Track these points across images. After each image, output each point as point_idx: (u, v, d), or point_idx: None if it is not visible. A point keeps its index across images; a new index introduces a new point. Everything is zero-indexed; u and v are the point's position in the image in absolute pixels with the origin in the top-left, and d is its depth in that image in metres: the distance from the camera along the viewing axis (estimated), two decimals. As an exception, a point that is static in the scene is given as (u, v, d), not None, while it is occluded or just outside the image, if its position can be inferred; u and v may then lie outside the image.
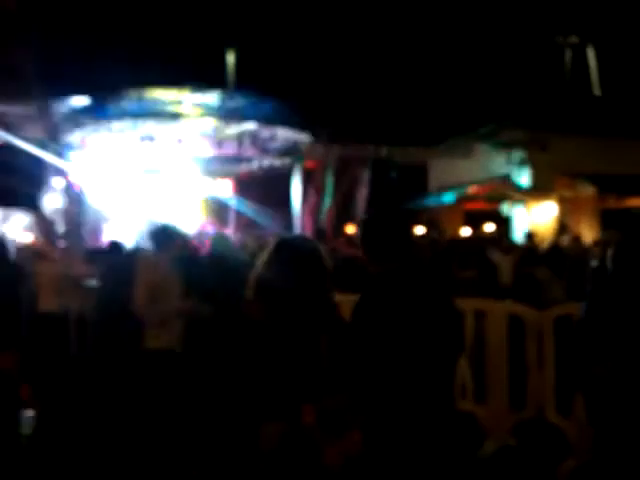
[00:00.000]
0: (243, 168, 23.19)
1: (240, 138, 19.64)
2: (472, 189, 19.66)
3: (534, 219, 18.19)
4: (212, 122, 19.34)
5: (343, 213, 22.78)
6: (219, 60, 23.87)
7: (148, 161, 20.49)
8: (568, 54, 24.03)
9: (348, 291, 4.54)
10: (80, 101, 18.48)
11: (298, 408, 3.42)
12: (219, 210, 23.64)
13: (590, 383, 4.42)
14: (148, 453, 5.98)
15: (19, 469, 5.72)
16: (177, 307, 5.82)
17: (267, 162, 22.61)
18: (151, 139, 19.25)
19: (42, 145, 17.51)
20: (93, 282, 10.04)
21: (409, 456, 3.41)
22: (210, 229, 18.88)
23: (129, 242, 13.84)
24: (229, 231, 20.50)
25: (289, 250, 3.70)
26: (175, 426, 5.89)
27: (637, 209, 17.77)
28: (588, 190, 17.60)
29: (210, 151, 21.21)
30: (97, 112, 18.57)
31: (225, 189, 23.51)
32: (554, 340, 6.29)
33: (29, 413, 6.90)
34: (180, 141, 19.78)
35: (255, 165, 22.96)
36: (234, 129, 19.49)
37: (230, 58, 24.18)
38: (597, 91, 23.52)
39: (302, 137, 20.60)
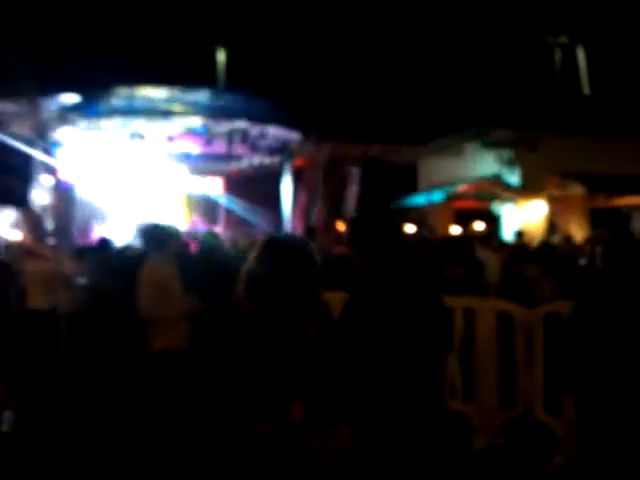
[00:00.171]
0: (233, 166, 23.18)
1: (230, 136, 19.61)
2: (461, 188, 19.70)
3: (524, 218, 18.24)
4: (202, 120, 19.31)
5: (333, 211, 22.79)
6: (209, 58, 23.84)
7: (138, 159, 20.45)
8: (558, 54, 24.09)
9: (338, 289, 4.55)
10: (70, 98, 18.42)
11: (287, 405, 3.42)
12: (209, 208, 23.63)
13: (579, 381, 4.43)
14: (134, 450, 5.97)
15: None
16: (182, 306, 5.76)
17: (257, 160, 22.60)
18: (141, 137, 19.20)
19: (31, 142, 17.44)
20: (82, 279, 10.02)
21: (398, 452, 3.41)
22: (201, 227, 18.86)
23: (118, 239, 13.81)
24: (219, 229, 20.51)
25: (278, 248, 3.70)
26: (167, 425, 5.88)
27: (626, 208, 17.85)
28: (577, 189, 17.66)
29: (200, 149, 21.20)
30: (87, 110, 18.51)
31: (215, 187, 23.50)
32: (543, 338, 6.31)
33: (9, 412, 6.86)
34: (170, 139, 19.75)
35: (245, 163, 22.95)
36: (224, 127, 19.46)
37: (220, 56, 24.14)
38: (587, 91, 23.60)
39: (292, 135, 20.59)
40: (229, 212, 23.62)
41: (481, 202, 20.57)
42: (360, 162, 22.89)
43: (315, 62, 20.65)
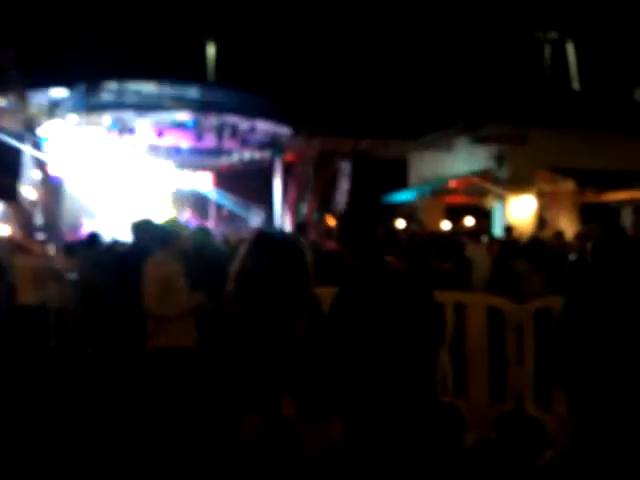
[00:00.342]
0: (223, 161, 23.16)
1: (220, 131, 19.58)
2: (451, 183, 19.72)
3: (513, 213, 18.27)
4: (192, 114, 19.28)
5: (323, 206, 22.81)
6: (199, 53, 23.77)
7: (127, 153, 20.40)
8: (547, 49, 24.14)
9: (329, 284, 4.54)
10: (59, 92, 18.35)
11: (277, 400, 3.42)
12: (199, 203, 23.61)
13: (571, 377, 4.45)
14: (126, 445, 5.97)
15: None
16: (187, 303, 5.68)
17: (247, 155, 22.59)
18: (130, 131, 19.16)
19: (19, 136, 17.37)
20: (72, 274, 10.00)
21: (389, 447, 3.42)
22: (192, 222, 18.84)
23: (108, 234, 13.79)
24: (210, 224, 20.48)
25: (268, 244, 3.69)
26: (163, 421, 5.87)
27: (616, 204, 17.91)
28: (567, 184, 17.70)
29: (190, 143, 21.16)
30: (76, 104, 18.45)
31: (205, 182, 23.47)
32: (534, 333, 6.33)
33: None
34: (160, 133, 19.71)
35: (235, 158, 22.93)
36: (214, 121, 19.43)
37: (210, 50, 24.08)
38: (576, 86, 23.66)
39: (282, 130, 20.58)
40: (219, 207, 23.61)
41: (472, 197, 20.60)
42: (350, 157, 22.90)
43: (305, 57, 20.63)
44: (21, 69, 16.57)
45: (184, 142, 21.13)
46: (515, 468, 5.75)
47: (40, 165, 17.74)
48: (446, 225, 19.64)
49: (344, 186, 23.17)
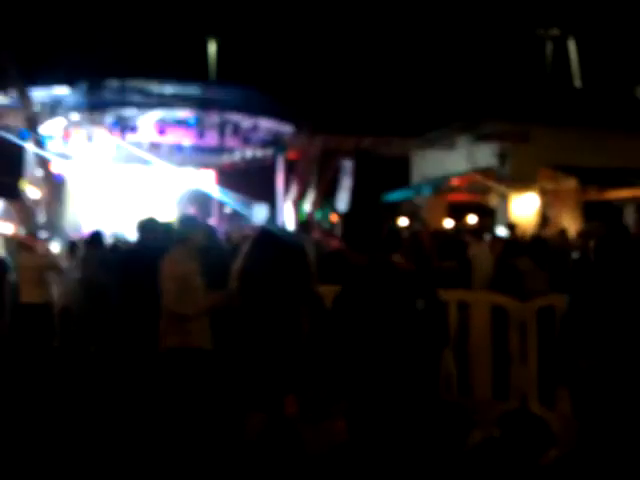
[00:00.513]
0: (225, 159, 23.15)
1: (222, 128, 19.57)
2: (453, 181, 19.71)
3: (516, 211, 18.27)
4: (193, 112, 19.27)
5: (326, 204, 22.81)
6: (201, 50, 23.76)
7: (130, 151, 20.39)
8: (549, 46, 24.12)
9: (333, 283, 4.54)
10: (61, 91, 18.36)
11: (281, 399, 3.42)
12: (202, 201, 23.59)
13: (575, 375, 4.44)
14: (131, 445, 5.98)
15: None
16: (203, 302, 5.56)
17: (249, 153, 22.57)
18: (133, 129, 19.16)
19: (22, 134, 17.38)
20: (75, 273, 10.01)
21: (392, 445, 3.42)
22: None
23: (110, 232, 13.80)
24: (212, 222, 20.47)
25: (271, 242, 3.70)
26: (172, 421, 5.88)
27: (618, 201, 17.88)
28: (570, 182, 17.68)
29: (192, 141, 21.15)
30: (78, 102, 18.45)
31: (208, 180, 23.47)
32: (537, 331, 6.33)
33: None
34: (162, 131, 19.71)
35: (237, 156, 22.92)
36: (216, 119, 19.42)
37: (212, 48, 24.07)
38: (578, 83, 23.64)
39: (285, 128, 20.57)
40: (222, 205, 23.60)
41: (474, 195, 20.59)
42: (353, 155, 22.89)
43: (308, 55, 20.62)
44: (22, 68, 16.58)
45: (186, 140, 21.12)
46: (519, 467, 5.76)
47: (43, 163, 17.74)
48: (449, 223, 19.63)
49: (346, 184, 23.16)
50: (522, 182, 18.04)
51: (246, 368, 3.56)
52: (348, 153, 22.81)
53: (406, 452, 3.45)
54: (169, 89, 19.21)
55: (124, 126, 19.01)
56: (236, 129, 19.72)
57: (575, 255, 10.40)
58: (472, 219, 19.64)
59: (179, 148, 21.56)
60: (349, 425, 3.44)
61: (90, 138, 19.48)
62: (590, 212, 17.34)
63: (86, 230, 17.52)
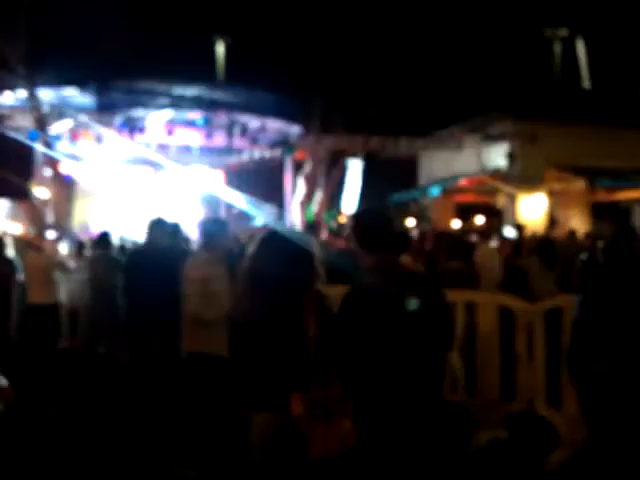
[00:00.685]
0: (233, 159, 23.18)
1: (230, 129, 19.60)
2: (461, 182, 19.71)
3: (524, 212, 18.24)
4: (202, 113, 19.31)
5: (334, 204, 22.82)
6: (209, 51, 23.81)
7: (138, 152, 20.43)
8: (557, 47, 24.09)
9: (341, 283, 4.54)
10: (70, 92, 18.42)
11: (287, 398, 3.42)
12: (210, 202, 23.60)
13: (586, 380, 4.42)
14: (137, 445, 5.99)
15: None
16: (225, 307, 5.36)
17: (257, 154, 22.60)
18: (141, 130, 19.20)
19: (31, 135, 17.44)
20: (84, 274, 10.02)
21: (398, 447, 3.42)
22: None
23: (119, 234, 13.82)
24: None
25: (278, 242, 3.70)
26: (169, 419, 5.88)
27: (626, 202, 17.85)
28: (578, 183, 17.65)
29: (200, 142, 21.18)
30: (87, 103, 18.52)
31: (216, 180, 23.49)
32: (544, 332, 6.32)
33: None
34: (170, 132, 19.75)
35: (245, 157, 22.95)
36: (224, 120, 19.46)
37: (220, 49, 24.12)
38: (586, 83, 23.60)
39: (293, 128, 20.59)
40: (229, 205, 23.61)
41: (482, 196, 20.58)
42: (361, 155, 22.90)
43: (315, 56, 20.61)
44: (31, 69, 16.65)
45: (194, 141, 21.16)
46: (525, 468, 5.75)
47: (52, 164, 17.79)
48: (456, 224, 19.62)
49: (354, 185, 23.16)
50: (530, 183, 18.01)
51: (253, 368, 3.56)
52: (356, 154, 22.81)
53: (412, 453, 3.45)
54: (178, 90, 19.27)
55: (133, 127, 19.06)
56: (244, 130, 19.76)
57: (584, 256, 10.38)
58: (480, 220, 19.62)
59: (187, 149, 21.60)
60: (355, 426, 3.44)
61: (99, 139, 19.54)
62: (599, 213, 17.32)
63: (94, 231, 17.58)
